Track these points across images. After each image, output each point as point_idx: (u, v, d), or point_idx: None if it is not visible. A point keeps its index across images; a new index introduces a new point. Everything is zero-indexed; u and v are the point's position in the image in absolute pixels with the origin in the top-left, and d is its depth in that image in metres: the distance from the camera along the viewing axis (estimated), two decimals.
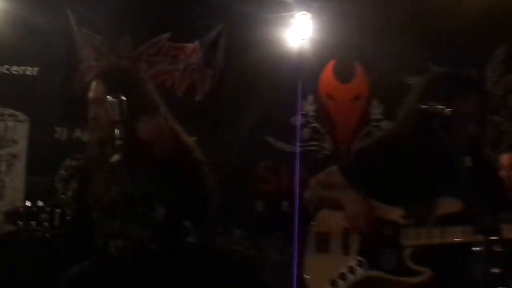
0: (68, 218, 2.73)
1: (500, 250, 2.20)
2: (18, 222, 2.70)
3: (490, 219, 2.25)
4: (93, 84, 2.94)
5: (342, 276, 2.71)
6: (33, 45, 5.03)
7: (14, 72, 5.02)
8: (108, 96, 2.66)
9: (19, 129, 5.03)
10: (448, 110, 2.43)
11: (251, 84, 5.26)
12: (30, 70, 5.05)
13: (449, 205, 2.56)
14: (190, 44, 5.30)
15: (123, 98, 2.60)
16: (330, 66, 5.42)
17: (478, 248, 2.29)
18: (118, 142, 2.55)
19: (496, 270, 2.19)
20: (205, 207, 2.88)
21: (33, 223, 2.70)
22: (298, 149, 5.26)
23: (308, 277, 2.86)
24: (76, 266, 2.90)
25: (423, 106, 2.49)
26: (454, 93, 2.61)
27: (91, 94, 2.91)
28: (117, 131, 2.56)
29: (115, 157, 2.53)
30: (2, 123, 5.05)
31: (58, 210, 2.72)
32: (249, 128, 5.26)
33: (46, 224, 2.70)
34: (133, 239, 2.67)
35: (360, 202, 2.70)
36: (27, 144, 5.04)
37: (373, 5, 5.08)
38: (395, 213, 2.66)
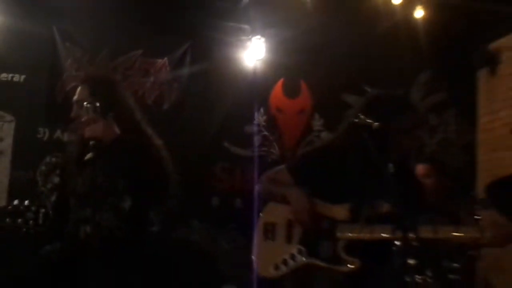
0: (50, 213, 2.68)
1: (416, 245, 2.23)
2: (6, 219, 2.63)
3: (409, 220, 2.27)
4: (79, 88, 2.90)
5: (285, 262, 2.71)
6: (21, 55, 4.92)
7: (3, 79, 4.90)
8: (84, 103, 2.64)
9: (5, 128, 4.91)
10: (376, 124, 2.44)
11: (211, 97, 5.26)
12: (18, 77, 4.94)
13: (380, 206, 2.58)
14: (159, 60, 5.26)
15: (97, 104, 2.58)
16: (279, 83, 5.48)
17: (398, 243, 2.32)
18: (91, 142, 2.51)
19: (412, 262, 2.22)
20: (167, 194, 2.85)
21: (19, 220, 2.63)
22: (256, 153, 5.28)
23: (254, 258, 2.86)
24: (48, 246, 2.83)
25: (355, 120, 2.50)
26: (389, 112, 2.63)
27: (75, 97, 2.87)
28: None
29: (89, 155, 2.49)
30: None
31: (42, 210, 2.66)
32: (209, 134, 5.26)
33: (31, 222, 2.64)
34: (101, 226, 2.63)
35: (303, 199, 2.70)
36: (13, 142, 4.91)
37: (317, 33, 5.13)
38: (334, 210, 2.67)
